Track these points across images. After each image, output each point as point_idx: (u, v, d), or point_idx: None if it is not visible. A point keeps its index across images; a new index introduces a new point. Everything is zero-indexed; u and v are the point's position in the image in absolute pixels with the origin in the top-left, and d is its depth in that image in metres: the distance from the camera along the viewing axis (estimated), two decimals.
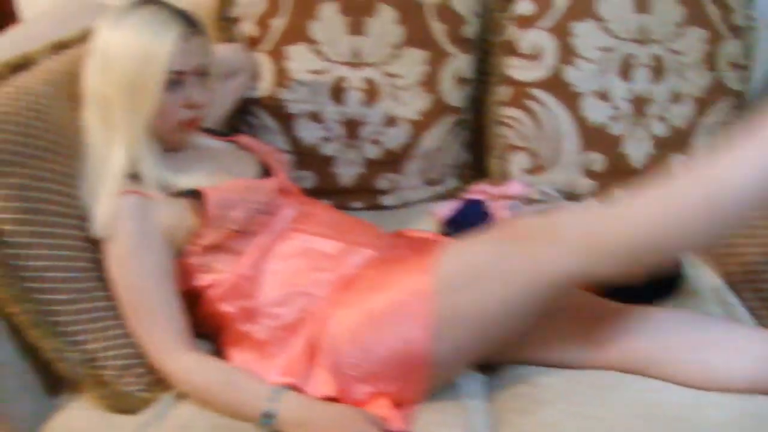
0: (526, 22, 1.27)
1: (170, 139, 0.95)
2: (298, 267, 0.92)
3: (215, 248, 0.91)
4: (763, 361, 0.84)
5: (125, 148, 0.90)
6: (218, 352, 0.95)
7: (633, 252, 0.78)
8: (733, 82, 1.31)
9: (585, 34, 1.25)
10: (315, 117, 1.23)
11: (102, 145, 0.91)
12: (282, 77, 1.22)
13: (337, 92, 1.23)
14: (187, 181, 0.92)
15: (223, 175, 0.96)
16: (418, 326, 0.82)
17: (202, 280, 0.92)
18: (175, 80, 0.89)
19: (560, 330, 0.91)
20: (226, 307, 0.92)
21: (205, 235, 0.90)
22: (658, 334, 0.88)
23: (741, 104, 1.33)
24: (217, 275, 0.91)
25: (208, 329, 0.97)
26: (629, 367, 0.88)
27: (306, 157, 1.24)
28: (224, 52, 1.17)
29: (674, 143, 1.30)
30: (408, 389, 0.85)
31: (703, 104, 1.30)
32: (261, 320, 0.91)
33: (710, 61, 1.29)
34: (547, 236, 0.80)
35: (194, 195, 0.90)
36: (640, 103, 1.28)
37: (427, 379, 0.84)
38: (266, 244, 0.93)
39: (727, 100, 1.31)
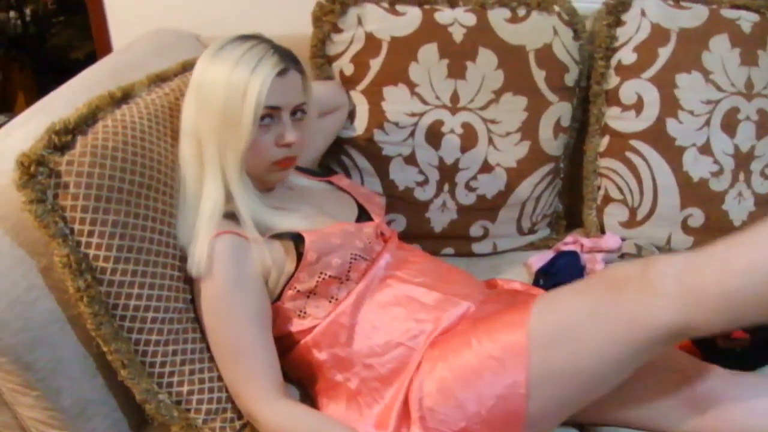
0: (628, 71, 1.25)
1: (264, 179, 0.93)
2: (396, 316, 0.90)
3: (311, 293, 0.89)
4: None
5: (219, 185, 0.89)
6: (310, 398, 0.93)
7: (734, 302, 0.74)
8: None
9: (689, 86, 1.23)
10: (409, 160, 1.21)
11: (195, 181, 0.90)
12: (377, 118, 1.20)
13: (433, 136, 1.21)
14: (285, 222, 0.91)
15: (321, 217, 0.94)
16: (511, 383, 0.80)
17: (297, 325, 0.90)
18: (270, 117, 0.88)
19: (659, 390, 0.87)
20: (320, 355, 0.90)
21: (302, 279, 0.88)
22: (762, 405, 0.84)
23: None
24: (311, 321, 0.90)
25: (301, 375, 0.95)
26: None
27: (398, 200, 1.22)
28: (320, 89, 1.15)
29: None
30: None
31: None
32: (355, 370, 0.88)
33: None
34: (642, 287, 0.77)
35: (292, 238, 0.88)
36: (743, 159, 1.25)
37: None
38: (363, 291, 0.91)
39: None
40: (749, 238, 0.76)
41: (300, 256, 0.87)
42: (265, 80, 0.86)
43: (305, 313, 0.89)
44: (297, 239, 0.88)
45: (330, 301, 0.89)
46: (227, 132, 0.87)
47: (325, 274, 0.88)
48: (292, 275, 0.88)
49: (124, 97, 0.94)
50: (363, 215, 1.01)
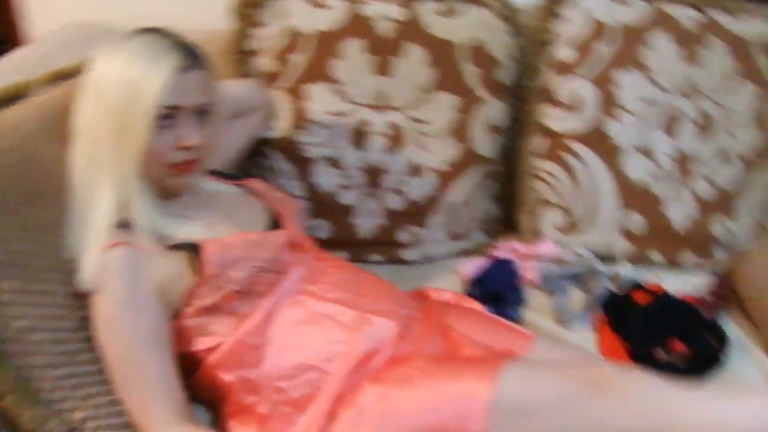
0: (565, 68, 1.20)
1: (164, 184, 0.87)
2: (307, 336, 0.86)
3: (214, 310, 0.84)
4: None
5: (113, 191, 0.83)
6: (218, 422, 0.88)
7: None
8: None
9: (630, 86, 1.19)
10: (334, 162, 1.15)
11: (88, 188, 0.84)
12: (300, 118, 1.14)
13: (359, 136, 1.15)
14: (185, 231, 0.85)
15: (227, 225, 0.89)
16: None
17: (199, 344, 0.85)
18: (168, 117, 0.82)
19: None
20: (227, 376, 0.85)
21: (203, 294, 0.83)
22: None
23: None
24: (215, 340, 0.85)
25: (208, 396, 0.90)
26: None
27: (322, 205, 1.17)
28: (236, 88, 1.09)
29: (718, 205, 1.23)
30: None
31: (751, 164, 1.24)
32: (264, 393, 0.84)
33: (761, 120, 1.22)
34: (620, 394, 0.76)
35: (192, 248, 0.83)
36: (684, 162, 1.21)
37: None
38: (271, 307, 0.86)
39: None
40: (712, 391, 0.81)
41: (199, 268, 0.82)
42: (163, 77, 0.80)
43: (208, 331, 0.85)
44: (198, 250, 0.83)
45: (234, 318, 0.85)
46: (122, 133, 0.82)
47: (227, 289, 0.83)
48: (192, 290, 0.83)
49: (16, 96, 0.87)
50: (275, 223, 0.95)
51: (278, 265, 0.88)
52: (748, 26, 1.21)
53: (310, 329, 0.86)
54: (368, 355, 0.85)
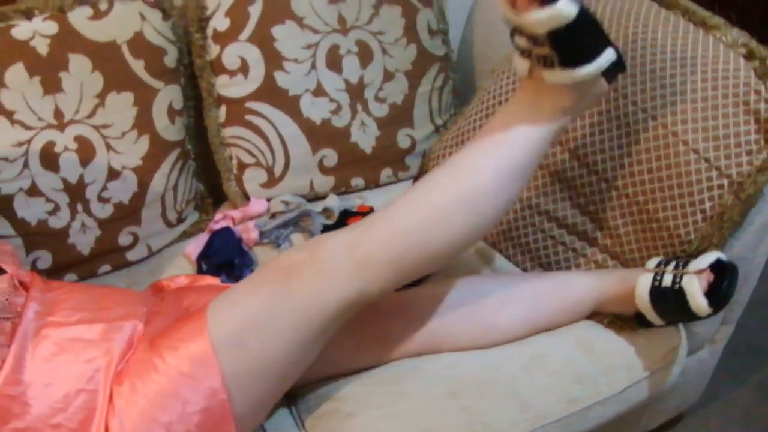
0: (226, 37, 1.82)
1: None
2: (64, 365, 1.13)
3: None
4: (531, 301, 1.41)
5: None
6: None
7: (403, 263, 1.17)
8: (436, 48, 2.01)
9: (286, 36, 1.84)
10: (32, 192, 1.67)
11: None
12: None
13: (49, 159, 1.67)
14: None
15: None
16: (210, 393, 1.11)
17: None
18: None
19: (346, 339, 1.32)
20: None
21: None
22: (435, 312, 1.37)
23: (447, 67, 2.04)
24: None
25: None
26: (420, 351, 1.36)
27: (35, 236, 1.69)
28: None
29: (397, 119, 1.96)
30: None
31: (414, 76, 1.98)
32: None
33: (410, 34, 1.94)
34: (312, 267, 1.15)
35: None
36: (355, 90, 1.90)
37: None
38: (19, 352, 1.12)
39: (435, 67, 2.00)
40: (406, 201, 1.21)
41: None
42: None
43: None
44: None
45: None
46: None
47: None
48: None
49: None
50: None
51: (12, 309, 1.17)
52: None
53: (64, 357, 1.14)
54: (122, 358, 1.16)
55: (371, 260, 1.17)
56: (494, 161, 1.23)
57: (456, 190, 1.21)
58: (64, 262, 1.73)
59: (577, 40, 1.19)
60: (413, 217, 1.20)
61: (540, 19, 1.15)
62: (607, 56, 1.22)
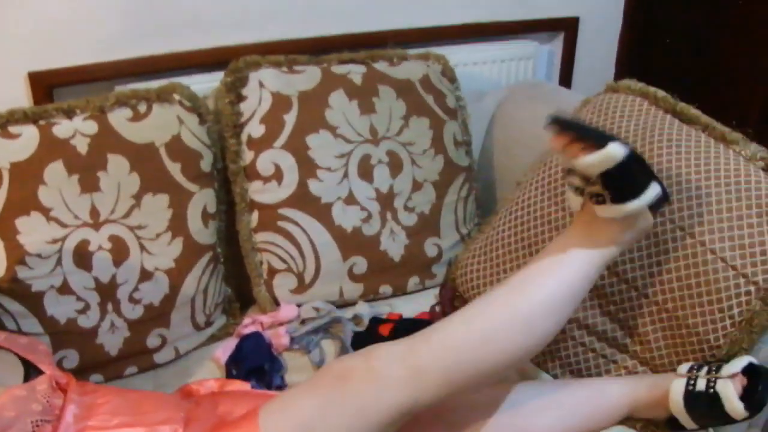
0: (260, 144, 1.87)
1: None
2: None
3: None
4: (566, 409, 1.43)
5: None
6: None
7: (454, 375, 1.19)
8: (461, 159, 2.07)
9: (320, 145, 1.89)
10: (63, 290, 1.68)
11: None
12: (17, 254, 1.64)
13: (82, 258, 1.69)
14: None
15: None
16: None
17: None
18: None
19: None
20: None
21: None
22: (474, 419, 1.37)
23: (471, 177, 2.10)
24: None
25: None
26: None
27: (63, 334, 1.68)
28: None
29: (425, 228, 1.99)
30: None
31: (441, 186, 2.02)
32: None
33: (437, 145, 2.00)
34: (367, 375, 1.16)
35: None
36: (385, 199, 1.94)
37: None
38: None
39: (460, 177, 2.05)
40: (462, 316, 1.27)
41: None
42: None
43: None
44: None
45: None
46: None
47: None
48: None
49: None
50: (31, 370, 1.27)
51: (52, 412, 1.17)
52: (408, 70, 1.98)
53: None
54: None
55: (425, 371, 1.19)
56: (549, 284, 1.30)
57: (511, 309, 1.27)
58: (90, 362, 1.72)
59: (625, 179, 1.30)
60: (467, 333, 1.24)
61: (592, 162, 1.27)
62: (653, 190, 1.33)
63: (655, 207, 1.37)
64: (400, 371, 1.18)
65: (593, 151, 1.27)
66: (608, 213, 1.33)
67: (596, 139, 1.28)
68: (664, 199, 1.37)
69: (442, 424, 1.40)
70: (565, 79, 2.81)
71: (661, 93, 1.71)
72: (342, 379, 1.18)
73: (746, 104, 2.51)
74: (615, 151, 1.27)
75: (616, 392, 1.51)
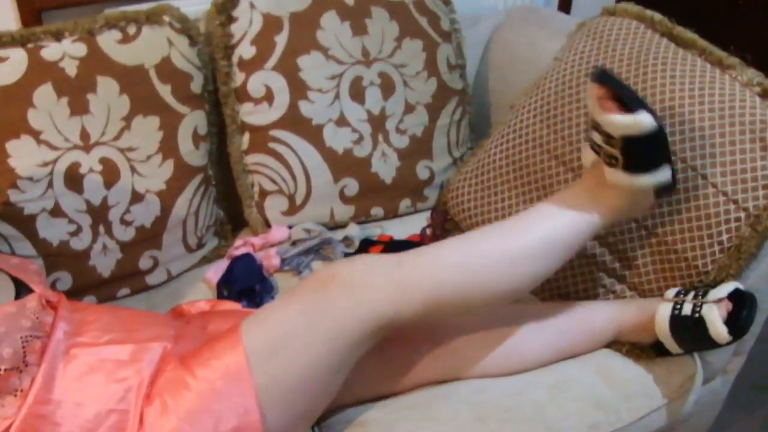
0: (251, 65, 1.84)
1: None
2: (96, 384, 1.16)
3: None
4: (555, 330, 1.45)
5: None
6: None
7: (441, 295, 1.22)
8: (454, 82, 2.04)
9: (311, 66, 1.86)
10: (56, 212, 1.68)
11: None
12: (8, 177, 1.64)
13: (74, 180, 1.68)
14: None
15: None
16: (243, 411, 1.13)
17: None
18: None
19: (372, 365, 1.34)
20: None
21: None
22: (461, 339, 1.40)
23: (464, 101, 2.07)
24: (2, 423, 1.10)
25: None
26: (446, 377, 1.39)
27: (56, 257, 1.69)
28: None
29: (417, 151, 1.98)
30: None
31: (433, 109, 2.00)
32: None
33: (431, 68, 1.98)
34: (350, 282, 1.18)
35: None
36: (377, 121, 1.93)
37: None
38: (49, 371, 1.15)
39: (453, 100, 2.03)
40: (456, 241, 1.29)
41: None
42: None
43: None
44: None
45: (15, 395, 1.12)
46: None
47: (0, 369, 1.11)
48: None
49: None
50: (22, 289, 1.27)
51: (42, 328, 1.19)
52: None
53: (95, 377, 1.17)
54: (153, 379, 1.19)
55: (408, 286, 1.21)
56: (543, 232, 1.33)
57: (503, 246, 1.30)
58: (83, 283, 1.73)
59: (644, 151, 1.33)
60: (458, 257, 1.26)
61: (621, 122, 1.29)
62: (664, 174, 1.36)
63: (659, 191, 1.40)
64: (383, 282, 1.19)
65: (625, 113, 1.29)
66: (616, 178, 1.35)
67: (633, 102, 1.29)
68: (671, 187, 1.40)
69: (428, 343, 1.41)
70: (564, 5, 2.77)
71: (658, 16, 1.68)
72: (323, 287, 1.20)
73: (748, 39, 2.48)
74: (645, 120, 1.28)
75: (603, 315, 1.53)
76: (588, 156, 1.43)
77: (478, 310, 1.38)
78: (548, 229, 1.34)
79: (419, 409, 1.34)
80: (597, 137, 1.37)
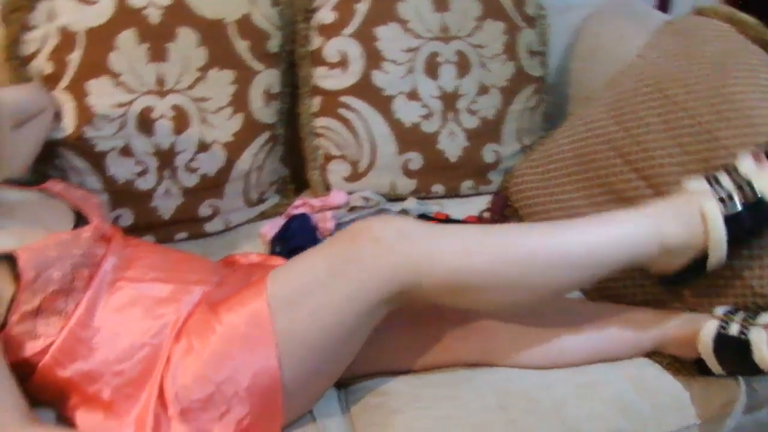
0: (330, 30, 1.86)
1: None
2: (134, 318, 1.22)
3: (38, 313, 1.16)
4: (595, 331, 1.40)
5: None
6: (66, 418, 1.22)
7: (463, 278, 1.18)
8: (533, 68, 2.01)
9: (389, 37, 1.87)
10: (125, 152, 1.73)
11: None
12: (85, 114, 1.70)
13: (145, 123, 1.74)
14: None
15: (34, 230, 1.22)
16: (262, 353, 1.15)
17: (31, 348, 1.16)
18: None
19: (403, 337, 1.36)
20: (64, 372, 1.18)
21: (25, 300, 1.14)
22: (497, 324, 1.37)
23: (542, 89, 2.04)
24: (45, 341, 1.17)
25: (50, 396, 1.22)
26: (476, 360, 1.36)
27: (121, 194, 1.75)
28: (16, 94, 1.59)
29: (486, 133, 1.97)
30: (265, 421, 1.18)
31: (508, 93, 1.98)
32: (104, 379, 1.18)
33: (510, 51, 1.96)
34: (379, 241, 1.17)
35: (6, 259, 1.14)
36: (449, 99, 1.92)
37: (282, 407, 1.17)
38: (93, 298, 1.22)
39: (530, 87, 2.01)
40: (502, 228, 1.29)
41: (17, 277, 1.13)
42: None
43: (36, 333, 1.16)
44: (10, 260, 1.14)
45: (60, 316, 1.18)
46: None
47: (48, 290, 1.16)
48: (13, 299, 1.14)
49: None
50: (81, 220, 1.34)
51: (92, 258, 1.24)
52: None
53: (134, 311, 1.23)
54: (186, 320, 1.23)
55: (437, 258, 1.17)
56: (591, 241, 1.26)
57: (545, 243, 1.24)
58: (144, 223, 1.79)
59: (759, 218, 1.29)
60: (495, 244, 1.22)
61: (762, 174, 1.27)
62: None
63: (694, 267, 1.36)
64: (409, 248, 1.17)
65: None
66: (710, 213, 1.29)
67: None
68: (723, 260, 1.34)
69: (465, 322, 1.40)
70: (663, 3, 2.69)
71: (752, 20, 1.60)
72: (352, 239, 1.20)
73: None
74: None
75: (647, 322, 1.48)
76: (693, 183, 1.37)
77: (502, 307, 1.33)
78: (599, 236, 1.27)
79: (443, 387, 1.33)
80: (724, 180, 1.32)
